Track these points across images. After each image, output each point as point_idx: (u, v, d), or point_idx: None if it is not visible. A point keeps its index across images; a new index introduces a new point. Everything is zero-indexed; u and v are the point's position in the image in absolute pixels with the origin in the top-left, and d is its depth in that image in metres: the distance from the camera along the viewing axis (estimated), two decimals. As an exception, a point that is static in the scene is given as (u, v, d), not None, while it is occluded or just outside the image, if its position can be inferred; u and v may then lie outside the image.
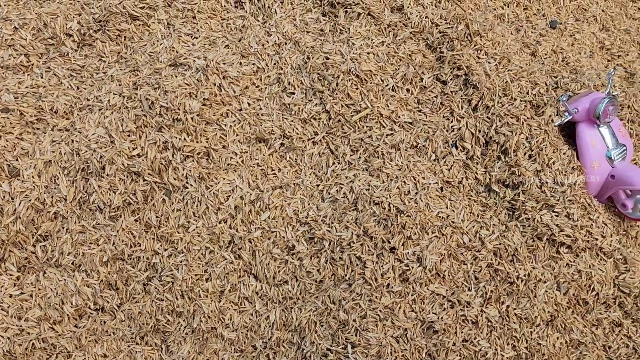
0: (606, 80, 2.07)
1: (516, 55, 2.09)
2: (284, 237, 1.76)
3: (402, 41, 1.97)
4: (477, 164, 1.94)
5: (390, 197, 1.73)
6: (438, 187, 1.84)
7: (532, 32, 2.33)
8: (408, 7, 1.99)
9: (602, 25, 2.71)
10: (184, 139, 1.68)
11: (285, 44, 1.91)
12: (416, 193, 1.78)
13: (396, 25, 1.99)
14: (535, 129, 1.93)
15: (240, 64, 1.82)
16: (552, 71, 2.15)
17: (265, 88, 1.82)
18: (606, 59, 2.62)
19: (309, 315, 1.76)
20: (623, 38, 2.72)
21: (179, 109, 1.65)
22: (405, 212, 1.74)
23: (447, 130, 1.90)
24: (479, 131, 1.94)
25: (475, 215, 1.87)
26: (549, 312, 1.87)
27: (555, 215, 1.88)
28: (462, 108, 1.94)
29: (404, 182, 1.77)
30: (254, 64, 1.84)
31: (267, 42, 1.90)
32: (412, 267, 1.77)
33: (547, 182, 1.89)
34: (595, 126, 1.97)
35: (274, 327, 1.77)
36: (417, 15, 2.01)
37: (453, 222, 1.82)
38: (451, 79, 1.96)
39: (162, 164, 1.66)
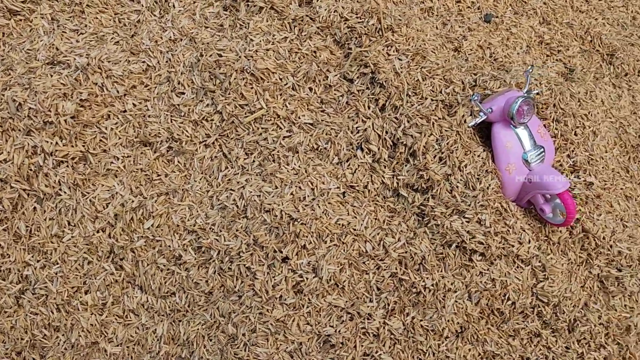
0: (526, 78, 1.95)
1: (435, 52, 1.99)
2: (169, 246, 1.66)
3: (307, 37, 1.86)
4: (385, 167, 1.84)
5: (282, 204, 1.62)
6: (339, 192, 1.74)
7: (459, 27, 2.22)
8: (318, 0, 1.87)
9: (542, 18, 2.61)
10: (57, 143, 1.57)
11: (181, 40, 1.80)
12: (313, 199, 1.68)
13: (302, 20, 1.88)
14: (446, 130, 1.81)
15: (129, 61, 1.71)
16: (474, 68, 2.03)
17: (155, 88, 1.70)
18: (545, 54, 2.52)
19: (198, 329, 1.67)
20: (565, 32, 2.62)
21: (49, 110, 1.53)
22: (298, 220, 1.64)
23: (351, 132, 1.79)
24: (386, 132, 1.84)
25: (380, 221, 1.77)
26: (458, 323, 1.77)
27: (466, 222, 1.78)
28: (368, 108, 1.84)
29: (300, 187, 1.67)
30: (144, 61, 1.73)
31: (161, 38, 1.80)
32: (307, 278, 1.67)
33: (457, 187, 1.77)
34: (512, 127, 1.85)
35: (162, 340, 1.68)
36: (326, 9, 1.90)
37: (354, 230, 1.72)
38: (357, 77, 1.84)
39: (31, 169, 1.55)
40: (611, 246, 2.18)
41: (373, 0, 2.13)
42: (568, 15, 2.84)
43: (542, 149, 2.00)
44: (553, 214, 2.07)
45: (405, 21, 2.12)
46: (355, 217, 1.89)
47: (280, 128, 1.88)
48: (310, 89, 1.95)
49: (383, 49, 2.01)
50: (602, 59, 2.84)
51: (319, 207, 1.83)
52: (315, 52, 2.00)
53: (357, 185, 1.93)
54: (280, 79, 1.91)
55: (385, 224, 1.94)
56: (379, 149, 1.97)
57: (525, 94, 2.00)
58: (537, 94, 2.09)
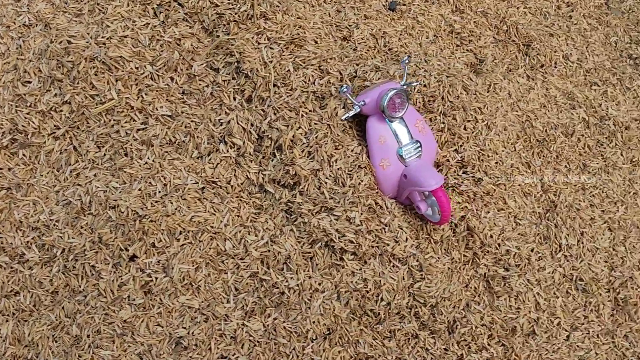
0: (403, 68, 1.85)
1: (317, 40, 1.91)
2: (11, 243, 1.57)
3: (172, 24, 1.75)
4: (250, 161, 1.76)
5: (129, 200, 1.52)
6: (198, 187, 1.66)
7: (355, 14, 2.11)
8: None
9: (455, 6, 2.53)
10: None
11: (36, 25, 1.71)
12: (165, 195, 1.60)
13: (169, 5, 1.77)
14: (316, 123, 1.72)
15: (-25, 48, 1.61)
16: (358, 58, 1.93)
17: (2, 76, 1.60)
18: (454, 44, 2.46)
19: (43, 330, 1.60)
20: (478, 21, 2.56)
21: None
22: (147, 217, 1.55)
23: (213, 125, 1.69)
24: (252, 125, 1.75)
25: (243, 219, 1.70)
26: (325, 324, 1.69)
27: (335, 219, 1.69)
28: (234, 99, 1.74)
29: (150, 183, 1.58)
30: (-9, 48, 1.63)
31: (14, 23, 1.70)
32: (157, 278, 1.59)
33: (326, 183, 1.68)
34: (387, 120, 1.76)
35: (7, 341, 1.59)
36: (197, -6, 1.80)
37: (212, 227, 1.64)
38: (223, 67, 1.74)
39: None
40: (499, 245, 2.14)
41: (252, -15, 2.03)
42: (484, 3, 2.75)
43: (418, 144, 1.91)
44: (432, 212, 1.99)
45: (284, 8, 2.02)
46: (214, 214, 1.82)
47: (134, 120, 1.80)
48: (172, 78, 1.87)
49: (252, 37, 1.92)
50: (517, 50, 2.77)
51: (172, 203, 1.75)
52: (179, 39, 1.90)
53: (219, 181, 1.85)
54: (137, 68, 1.82)
55: (249, 222, 1.88)
56: (243, 142, 1.90)
57: (402, 86, 1.91)
58: (416, 85, 1.99)
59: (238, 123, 1.97)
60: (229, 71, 1.98)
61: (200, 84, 2.00)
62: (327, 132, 2.00)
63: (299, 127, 1.98)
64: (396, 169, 2.01)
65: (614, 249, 2.40)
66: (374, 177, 1.97)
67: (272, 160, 1.98)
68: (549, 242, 2.28)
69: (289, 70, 2.01)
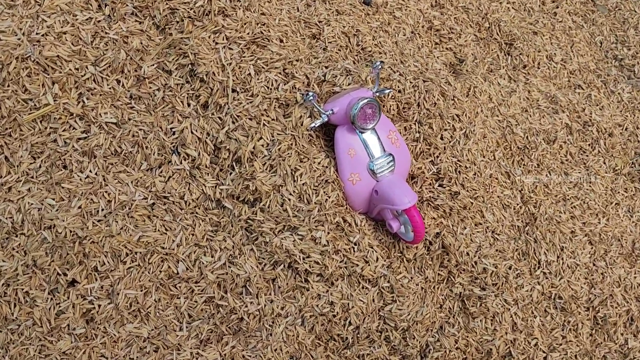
0: (374, 74, 1.74)
1: (282, 39, 1.78)
2: None
3: (119, 18, 1.60)
4: (206, 174, 1.64)
5: (66, 220, 1.39)
6: (147, 204, 1.54)
7: (326, 9, 1.99)
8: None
9: (435, 1, 2.39)
10: None
11: None
12: (109, 213, 1.48)
13: None
14: (279, 134, 1.60)
15: None
16: (329, 60, 1.82)
17: None
18: (432, 42, 2.36)
19: None
20: (459, 17, 2.46)
21: None
22: (88, 238, 1.42)
23: (165, 133, 1.56)
24: (207, 135, 1.62)
25: (199, 237, 1.59)
26: (288, 352, 1.60)
27: (299, 239, 1.59)
28: (188, 106, 1.61)
29: (92, 200, 1.45)
30: None
31: None
32: (100, 305, 1.46)
33: (289, 199, 1.57)
34: (358, 131, 1.65)
35: None
36: (146, -15, 1.65)
37: (163, 248, 1.52)
38: (176, 69, 1.61)
39: None
40: (475, 263, 2.09)
41: (209, -24, 1.88)
42: (466, -3, 2.65)
43: (390, 157, 1.82)
44: (405, 230, 1.91)
45: (246, 3, 1.89)
46: (166, 233, 1.71)
47: (74, 128, 1.66)
48: (118, 81, 1.73)
49: (209, 36, 1.79)
50: (499, 49, 2.70)
51: (117, 222, 1.62)
52: (127, 37, 1.76)
53: (171, 196, 1.73)
54: (77, 69, 1.67)
55: (204, 241, 1.77)
56: (199, 153, 1.79)
57: (373, 94, 1.81)
58: (390, 92, 1.90)
59: (192, 132, 1.85)
60: (183, 74, 1.84)
61: (150, 88, 1.85)
62: (292, 144, 1.88)
63: (260, 138, 1.86)
64: (367, 184, 1.91)
65: (594, 264, 2.36)
66: (343, 192, 1.87)
67: (231, 174, 1.86)
68: (528, 258, 2.23)
69: (249, 74, 1.88)
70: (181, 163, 1.83)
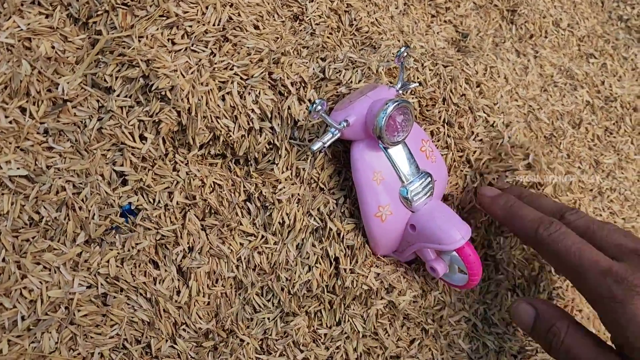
0: (397, 65, 1.23)
1: (259, 26, 1.23)
2: None
3: (12, 11, 0.96)
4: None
5: None
6: (97, 294, 0.92)
7: None
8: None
9: None
10: None
11: None
12: (35, 322, 0.84)
13: None
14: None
15: None
16: (323, 49, 1.28)
17: None
18: (429, 14, 1.84)
19: None
20: None
21: None
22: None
23: (109, 185, 0.96)
24: (176, 183, 1.02)
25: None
26: None
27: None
28: (144, 140, 1.01)
29: (2, 305, 0.81)
30: None
31: None
32: None
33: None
34: (381, 146, 1.11)
35: None
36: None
37: None
38: (121, 86, 1.01)
39: None
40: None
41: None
42: (456, -44, 2.17)
43: (428, 178, 1.30)
44: (450, 271, 1.43)
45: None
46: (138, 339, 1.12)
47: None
48: (23, 109, 1.10)
49: (161, 33, 1.20)
50: (501, 17, 2.26)
51: (50, 333, 1.03)
52: (29, 39, 1.14)
53: (133, 279, 1.15)
54: (-49, 100, 1.04)
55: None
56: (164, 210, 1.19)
57: (398, 93, 1.30)
58: (414, 87, 1.40)
59: (153, 178, 1.26)
60: (131, 92, 1.21)
61: (77, 116, 1.23)
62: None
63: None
64: (401, 218, 1.37)
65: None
66: (369, 233, 1.34)
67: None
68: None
69: (229, 92, 1.29)
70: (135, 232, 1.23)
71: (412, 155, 1.27)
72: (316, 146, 1.16)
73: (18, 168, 1.11)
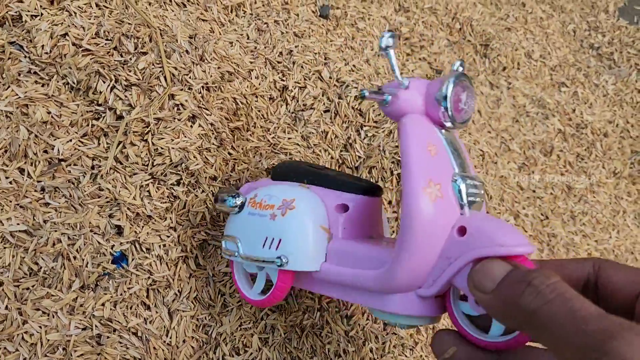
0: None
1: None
2: None
3: (11, 81, 1.12)
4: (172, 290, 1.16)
5: None
6: (91, 335, 1.03)
7: (282, 32, 1.58)
8: None
9: (398, 4, 2.02)
10: None
11: None
12: None
13: None
14: None
15: None
16: (307, 123, 1.45)
17: None
18: (404, 53, 1.95)
19: None
20: (428, 21, 2.13)
21: None
22: None
23: (103, 236, 1.11)
24: (168, 236, 1.16)
25: None
26: None
27: None
28: (139, 199, 1.16)
29: (6, 349, 0.95)
30: None
31: None
32: None
33: None
34: (437, 128, 1.01)
35: None
36: None
37: None
38: (110, 143, 1.17)
39: None
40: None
41: None
42: (431, -3, 2.32)
43: (481, 184, 1.12)
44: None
45: (199, 51, 1.44)
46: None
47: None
48: (21, 170, 1.24)
49: (172, 120, 1.34)
50: (474, 52, 2.39)
51: (50, 376, 1.14)
52: (26, 106, 1.27)
53: (125, 322, 1.27)
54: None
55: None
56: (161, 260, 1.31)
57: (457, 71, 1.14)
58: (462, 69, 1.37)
59: (150, 234, 1.38)
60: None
61: (70, 173, 1.36)
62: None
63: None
64: (449, 208, 1.18)
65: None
66: (409, 217, 1.11)
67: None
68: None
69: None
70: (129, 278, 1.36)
71: (462, 152, 1.08)
72: (364, 91, 1.01)
73: (18, 224, 1.24)
